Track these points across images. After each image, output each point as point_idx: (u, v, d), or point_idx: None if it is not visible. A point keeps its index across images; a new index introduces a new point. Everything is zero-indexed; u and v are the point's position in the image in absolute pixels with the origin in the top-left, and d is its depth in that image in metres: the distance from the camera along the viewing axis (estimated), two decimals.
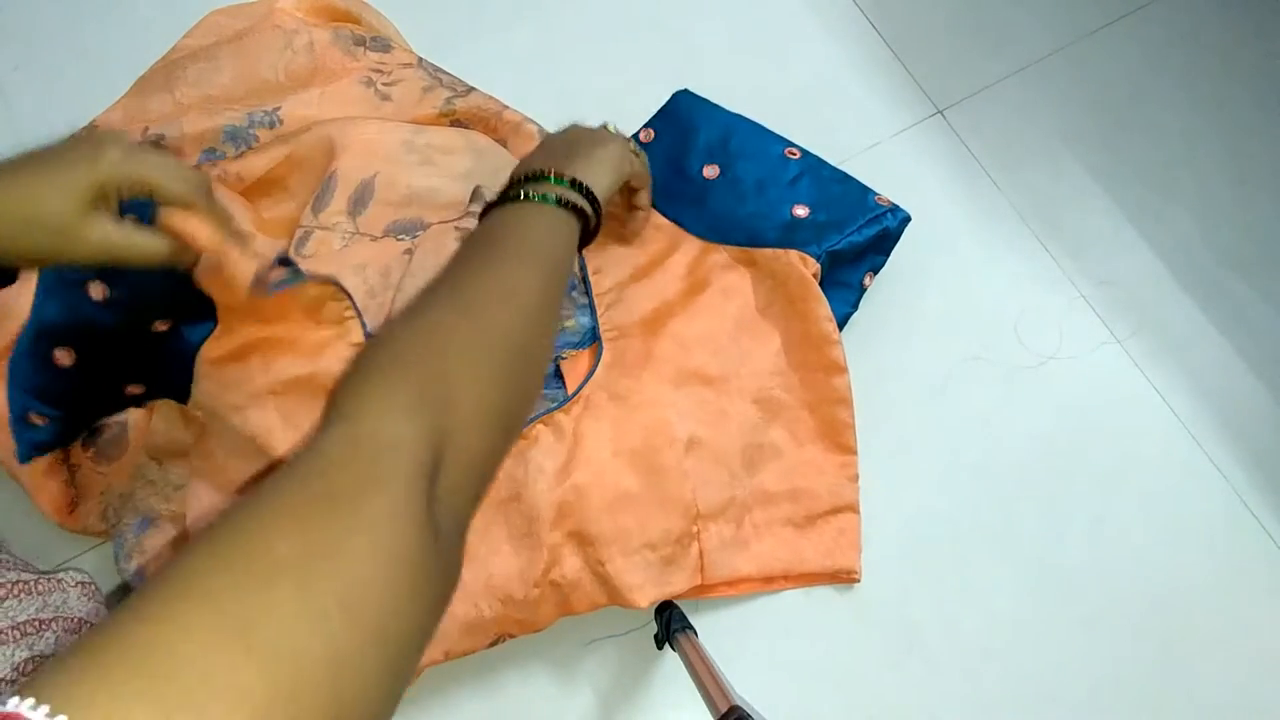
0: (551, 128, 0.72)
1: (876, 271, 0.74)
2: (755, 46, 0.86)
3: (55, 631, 0.57)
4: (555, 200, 0.50)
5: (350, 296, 0.63)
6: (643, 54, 0.86)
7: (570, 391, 0.66)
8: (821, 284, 0.69)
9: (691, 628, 0.64)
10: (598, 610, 0.64)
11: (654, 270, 0.71)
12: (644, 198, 0.67)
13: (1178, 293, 0.78)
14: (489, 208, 0.52)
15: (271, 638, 0.23)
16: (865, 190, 0.74)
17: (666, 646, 0.65)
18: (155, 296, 0.63)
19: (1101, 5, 0.87)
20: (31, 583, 0.59)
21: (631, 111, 0.78)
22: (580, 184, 0.52)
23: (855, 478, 0.71)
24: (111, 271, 0.62)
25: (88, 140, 0.44)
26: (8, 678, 0.52)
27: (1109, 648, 0.69)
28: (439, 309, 0.40)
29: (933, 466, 0.73)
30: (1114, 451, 0.74)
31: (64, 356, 0.63)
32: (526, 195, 0.50)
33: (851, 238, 0.70)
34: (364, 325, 0.64)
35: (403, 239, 0.70)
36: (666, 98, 0.79)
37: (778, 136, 0.76)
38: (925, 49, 0.86)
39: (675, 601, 0.66)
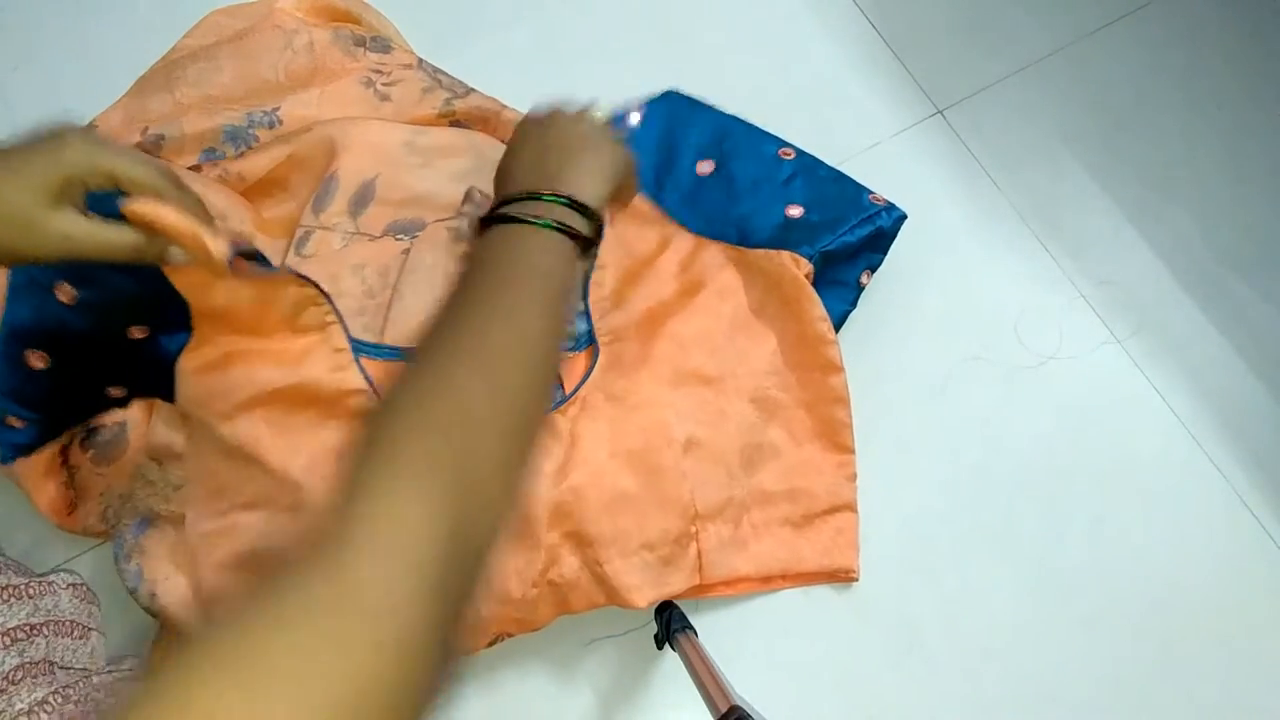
0: None
1: (874, 270, 0.74)
2: (755, 46, 0.86)
3: (45, 636, 0.57)
4: (554, 225, 0.46)
5: (330, 300, 0.62)
6: (643, 54, 0.86)
7: (567, 392, 0.66)
8: (816, 283, 0.69)
9: (691, 628, 0.64)
10: (596, 609, 0.64)
11: (646, 270, 0.71)
12: (627, 196, 0.66)
13: (1178, 292, 0.78)
14: (484, 222, 0.49)
15: None
16: (860, 189, 0.73)
17: (666, 646, 0.65)
18: (125, 300, 0.62)
19: (1101, 5, 0.87)
20: (22, 586, 0.58)
21: None
22: (580, 204, 0.48)
23: (853, 477, 0.71)
24: (80, 274, 0.62)
25: (49, 134, 0.43)
26: None
27: (1109, 648, 0.69)
28: (452, 366, 0.38)
29: (932, 466, 0.73)
30: (1114, 451, 0.74)
31: (37, 360, 0.62)
32: (524, 219, 0.46)
33: (845, 238, 0.70)
34: (346, 329, 0.63)
35: (401, 239, 0.70)
36: None
37: (772, 137, 0.76)
38: (925, 49, 0.86)
39: (675, 601, 0.66)
